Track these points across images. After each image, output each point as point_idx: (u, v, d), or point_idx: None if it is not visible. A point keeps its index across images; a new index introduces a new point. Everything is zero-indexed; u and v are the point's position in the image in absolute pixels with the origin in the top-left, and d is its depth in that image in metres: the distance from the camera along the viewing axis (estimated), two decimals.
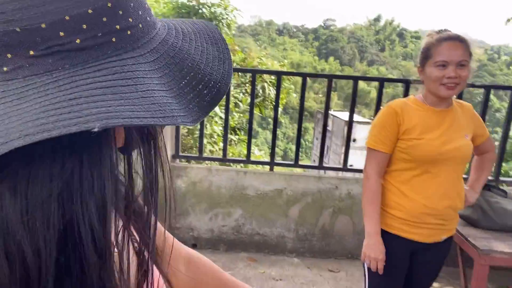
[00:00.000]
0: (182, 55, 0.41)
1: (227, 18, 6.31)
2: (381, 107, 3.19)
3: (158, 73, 0.38)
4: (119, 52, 0.36)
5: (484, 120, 2.67)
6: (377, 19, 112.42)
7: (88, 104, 0.32)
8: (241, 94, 6.22)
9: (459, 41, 1.51)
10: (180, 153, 3.33)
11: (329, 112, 3.17)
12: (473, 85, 3.06)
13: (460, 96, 2.84)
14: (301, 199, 3.14)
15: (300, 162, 3.23)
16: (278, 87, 3.16)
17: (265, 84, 6.39)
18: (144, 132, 0.42)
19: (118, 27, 0.36)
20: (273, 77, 6.52)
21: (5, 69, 0.34)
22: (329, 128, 39.88)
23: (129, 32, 0.37)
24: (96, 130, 0.31)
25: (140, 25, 0.39)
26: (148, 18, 0.40)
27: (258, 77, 5.93)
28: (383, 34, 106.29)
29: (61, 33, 0.33)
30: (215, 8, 6.28)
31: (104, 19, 0.35)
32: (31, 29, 0.33)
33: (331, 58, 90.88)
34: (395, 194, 1.62)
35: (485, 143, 1.73)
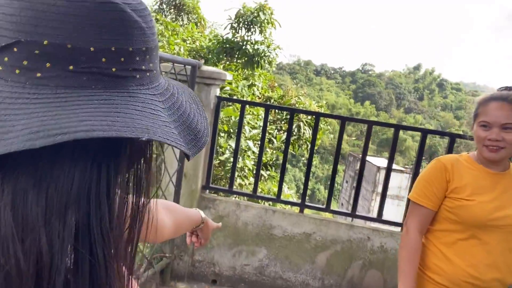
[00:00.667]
0: (178, 104, 0.48)
1: (269, 55, 6.46)
2: (423, 159, 3.05)
3: (166, 111, 0.45)
4: (139, 87, 0.43)
5: None
6: (417, 68, 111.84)
7: (132, 120, 0.38)
8: (276, 131, 6.22)
9: (507, 102, 1.41)
10: (211, 185, 3.31)
11: (362, 156, 3.06)
12: None
13: None
14: (330, 246, 3.00)
15: (332, 207, 3.11)
16: (315, 129, 3.12)
17: (301, 124, 6.37)
18: (146, 156, 0.48)
19: (143, 67, 0.43)
20: (309, 117, 6.54)
21: (38, 74, 0.37)
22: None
23: (148, 74, 0.44)
24: (144, 139, 0.38)
25: (155, 72, 0.46)
26: (158, 69, 0.48)
27: (295, 116, 5.95)
28: (422, 83, 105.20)
29: (104, 59, 0.39)
30: (258, 46, 6.46)
31: (137, 58, 0.42)
32: (80, 49, 0.38)
33: (367, 102, 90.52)
34: (437, 256, 1.51)
35: None
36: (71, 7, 0.37)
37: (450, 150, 2.86)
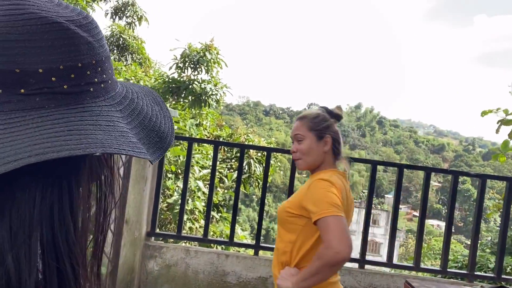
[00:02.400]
0: (138, 109, 0.49)
1: (216, 94, 6.43)
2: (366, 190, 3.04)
3: (125, 120, 0.45)
4: (95, 100, 0.43)
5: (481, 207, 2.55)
6: (358, 107, 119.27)
7: (86, 136, 0.39)
8: (226, 170, 6.06)
9: (298, 119, 1.65)
10: (156, 230, 3.02)
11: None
12: (468, 174, 2.99)
13: (456, 185, 2.73)
14: None
15: None
16: (267, 164, 3.01)
17: (251, 161, 6.28)
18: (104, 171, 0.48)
19: (96, 80, 0.44)
20: (259, 154, 6.49)
21: None
22: None
23: (102, 85, 0.45)
24: (98, 154, 0.42)
25: (109, 82, 0.47)
26: (113, 77, 0.49)
27: (246, 153, 5.85)
28: (363, 120, 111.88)
29: (53, 78, 0.40)
30: (205, 84, 6.42)
31: (88, 72, 0.43)
32: (29, 71, 0.39)
33: None
34: None
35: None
36: (13, 33, 0.38)
37: (399, 180, 2.88)
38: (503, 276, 2.85)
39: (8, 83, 0.38)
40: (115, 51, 9.37)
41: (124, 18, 9.91)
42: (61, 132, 0.39)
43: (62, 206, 0.40)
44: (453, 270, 3.31)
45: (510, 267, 4.22)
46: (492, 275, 2.91)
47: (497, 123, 3.80)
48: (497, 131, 3.76)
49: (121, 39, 9.25)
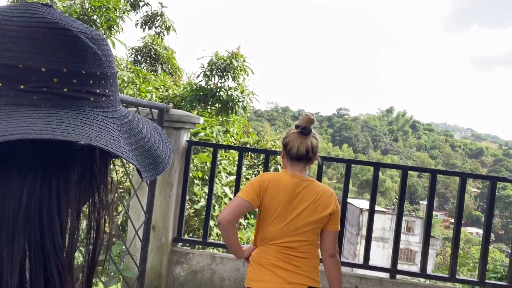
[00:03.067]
0: (136, 130, 0.50)
1: (243, 101, 6.46)
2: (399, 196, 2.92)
3: (121, 134, 0.46)
4: (93, 109, 0.44)
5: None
6: (390, 111, 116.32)
7: (74, 129, 0.40)
8: (253, 176, 6.05)
9: None
10: (183, 236, 3.04)
11: (343, 197, 2.90)
12: (507, 180, 2.81)
13: (493, 191, 2.59)
14: None
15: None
16: None
17: (279, 167, 6.24)
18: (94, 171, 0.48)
19: (98, 91, 0.45)
20: None
21: None
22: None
23: (103, 98, 0.46)
24: (82, 143, 0.39)
25: (112, 98, 0.48)
26: (116, 96, 0.50)
27: (272, 159, 5.82)
28: (395, 125, 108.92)
29: (55, 80, 0.41)
30: (232, 91, 6.47)
31: (91, 81, 0.44)
32: (31, 69, 0.40)
33: (344, 145, 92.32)
34: None
35: None
36: (24, 32, 0.40)
37: (433, 186, 2.75)
38: None
39: (10, 78, 0.39)
40: (147, 61, 9.68)
41: (153, 28, 10.22)
42: (51, 121, 0.39)
43: (49, 206, 0.39)
44: (492, 281, 3.10)
45: None
46: None
47: None
48: None
49: (153, 49, 9.56)
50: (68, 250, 0.42)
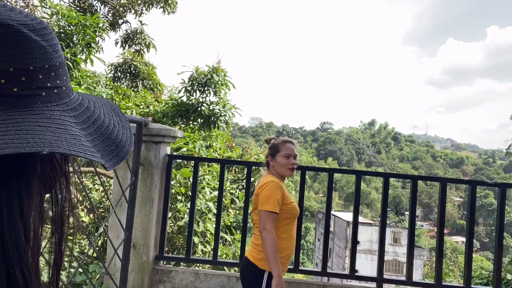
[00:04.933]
0: (94, 117, 0.49)
1: (225, 115, 6.44)
2: (387, 210, 2.92)
3: (79, 125, 0.46)
4: (46, 104, 0.43)
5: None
6: (372, 123, 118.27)
7: (32, 135, 0.38)
8: (238, 190, 5.97)
9: (292, 143, 2.37)
10: (165, 254, 2.95)
11: (331, 212, 2.89)
12: (486, 183, 2.85)
13: (474, 195, 2.62)
14: None
15: (301, 267, 2.82)
16: None
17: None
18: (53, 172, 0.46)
19: (49, 84, 0.44)
20: None
21: None
22: (331, 229, 38.56)
23: (56, 91, 0.45)
24: (45, 152, 0.39)
25: (64, 87, 0.46)
26: (68, 84, 0.48)
27: (256, 173, 5.78)
28: (378, 137, 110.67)
29: (2, 81, 0.40)
30: (213, 106, 6.45)
31: (40, 76, 0.43)
32: None
33: (329, 159, 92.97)
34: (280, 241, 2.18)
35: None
36: None
37: (414, 192, 2.76)
38: None
39: None
40: (127, 77, 9.63)
41: (133, 46, 10.21)
42: (7, 131, 0.38)
43: (11, 211, 0.39)
44: (478, 286, 3.11)
45: None
46: None
47: None
48: None
49: (133, 65, 9.52)
50: (34, 253, 0.41)
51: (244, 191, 6.14)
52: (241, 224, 5.74)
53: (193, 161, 3.09)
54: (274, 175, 2.30)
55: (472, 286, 2.67)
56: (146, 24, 10.41)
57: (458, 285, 2.75)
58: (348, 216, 36.01)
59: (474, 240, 2.78)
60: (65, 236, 0.48)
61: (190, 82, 6.68)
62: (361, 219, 35.20)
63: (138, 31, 10.15)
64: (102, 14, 9.92)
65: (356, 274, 2.78)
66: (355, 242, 2.86)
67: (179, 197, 4.51)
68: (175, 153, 4.77)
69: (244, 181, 6.07)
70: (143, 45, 10.00)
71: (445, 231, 2.77)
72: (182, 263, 3.94)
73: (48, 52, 0.43)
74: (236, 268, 4.26)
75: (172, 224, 4.48)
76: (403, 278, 2.76)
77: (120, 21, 9.94)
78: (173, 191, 4.47)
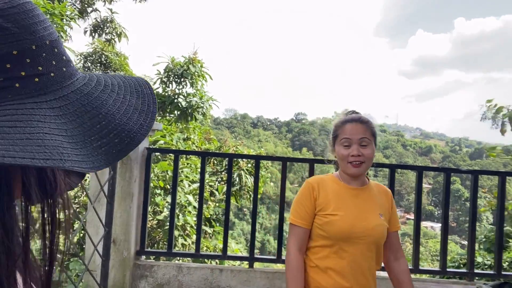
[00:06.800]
0: (96, 104, 0.42)
1: (202, 107, 6.36)
2: None
3: (61, 119, 0.39)
4: (21, 96, 0.38)
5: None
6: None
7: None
8: (216, 183, 5.95)
9: (361, 121, 1.60)
10: (146, 249, 2.90)
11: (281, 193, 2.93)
12: (460, 171, 2.96)
13: (448, 182, 2.71)
14: None
15: (283, 257, 2.86)
16: (256, 173, 2.94)
17: (242, 172, 6.19)
18: (44, 184, 0.41)
19: (23, 73, 0.38)
20: (250, 165, 6.41)
21: None
22: None
23: (36, 79, 0.39)
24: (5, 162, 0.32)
25: (52, 74, 0.41)
26: (64, 69, 0.42)
27: (234, 165, 5.76)
28: None
29: None
30: (190, 98, 6.35)
31: (8, 65, 0.37)
32: None
33: (304, 149, 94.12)
34: (314, 271, 1.58)
35: (394, 234, 1.67)
36: None
37: (392, 180, 2.83)
38: (503, 273, 2.80)
39: None
40: (98, 68, 9.29)
41: (104, 35, 9.87)
42: None
43: None
44: (452, 270, 3.25)
45: (506, 263, 4.19)
46: (492, 272, 2.86)
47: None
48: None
49: (103, 56, 9.19)
50: (16, 257, 0.37)
51: (223, 183, 6.15)
52: (221, 217, 5.76)
53: (172, 154, 3.03)
54: (339, 173, 1.67)
55: (447, 269, 2.79)
56: (117, 12, 10.07)
57: (435, 269, 2.86)
58: None
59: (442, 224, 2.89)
60: (57, 240, 0.44)
61: (166, 74, 6.55)
62: None
63: (109, 19, 9.80)
64: (70, 2, 9.52)
65: None
66: None
67: (157, 191, 4.44)
68: (152, 146, 4.68)
69: (223, 172, 6.06)
70: (114, 34, 9.68)
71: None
72: (162, 257, 3.90)
73: (15, 35, 0.37)
74: (217, 261, 4.26)
75: (151, 219, 4.42)
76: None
77: (89, 9, 9.57)
78: (151, 185, 4.39)
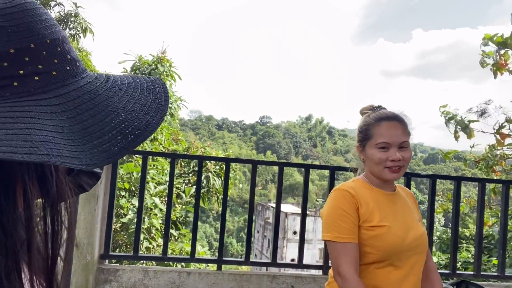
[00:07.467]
0: (99, 101, 0.42)
1: (170, 107, 6.26)
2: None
3: (60, 116, 0.39)
4: (20, 95, 0.38)
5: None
6: (308, 118, 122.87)
7: None
8: (184, 185, 5.87)
9: (397, 121, 1.42)
10: (111, 252, 2.82)
11: (269, 204, 3.00)
12: (419, 175, 3.12)
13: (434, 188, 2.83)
14: None
15: (251, 259, 2.88)
16: (226, 175, 2.94)
17: (210, 174, 6.15)
18: (45, 185, 0.41)
19: (22, 72, 0.38)
20: (217, 167, 6.39)
21: None
22: (269, 220, 39.48)
23: (36, 78, 0.39)
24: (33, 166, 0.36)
25: (54, 73, 0.41)
26: (67, 67, 0.42)
27: (204, 165, 5.73)
28: (314, 131, 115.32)
29: None
30: None
31: (5, 64, 0.37)
32: None
33: (268, 152, 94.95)
34: None
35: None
36: None
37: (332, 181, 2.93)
38: (458, 272, 2.98)
39: None
40: None
41: (68, 30, 9.47)
42: None
43: None
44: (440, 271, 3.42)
45: (459, 263, 4.47)
46: (447, 271, 3.03)
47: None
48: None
49: None
50: (13, 257, 0.37)
51: (190, 185, 6.10)
52: (187, 219, 5.70)
53: (140, 156, 2.97)
54: (366, 177, 1.47)
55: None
56: (82, 7, 9.69)
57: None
58: (286, 207, 37.15)
59: None
60: (60, 243, 0.43)
61: (133, 72, 6.39)
62: (295, 209, 36.55)
63: (73, 14, 9.41)
64: None
65: (302, 263, 2.91)
66: (303, 233, 2.98)
67: (122, 193, 4.32)
68: None
69: (190, 174, 6.00)
70: (78, 29, 9.30)
71: None
72: (125, 261, 3.79)
73: (11, 33, 0.37)
74: (183, 263, 4.21)
75: (115, 222, 4.28)
76: None
77: (52, 2, 9.14)
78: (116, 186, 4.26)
